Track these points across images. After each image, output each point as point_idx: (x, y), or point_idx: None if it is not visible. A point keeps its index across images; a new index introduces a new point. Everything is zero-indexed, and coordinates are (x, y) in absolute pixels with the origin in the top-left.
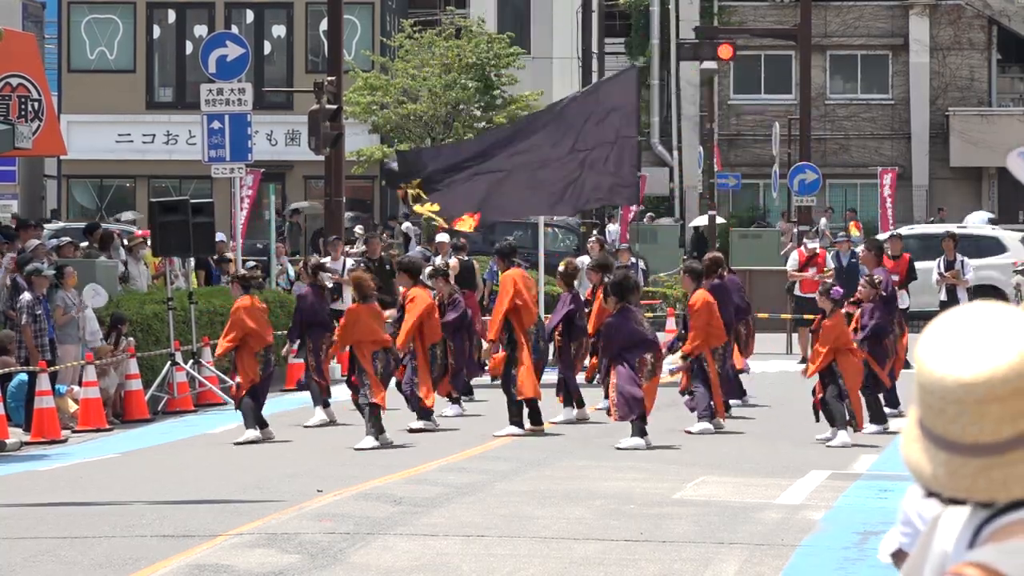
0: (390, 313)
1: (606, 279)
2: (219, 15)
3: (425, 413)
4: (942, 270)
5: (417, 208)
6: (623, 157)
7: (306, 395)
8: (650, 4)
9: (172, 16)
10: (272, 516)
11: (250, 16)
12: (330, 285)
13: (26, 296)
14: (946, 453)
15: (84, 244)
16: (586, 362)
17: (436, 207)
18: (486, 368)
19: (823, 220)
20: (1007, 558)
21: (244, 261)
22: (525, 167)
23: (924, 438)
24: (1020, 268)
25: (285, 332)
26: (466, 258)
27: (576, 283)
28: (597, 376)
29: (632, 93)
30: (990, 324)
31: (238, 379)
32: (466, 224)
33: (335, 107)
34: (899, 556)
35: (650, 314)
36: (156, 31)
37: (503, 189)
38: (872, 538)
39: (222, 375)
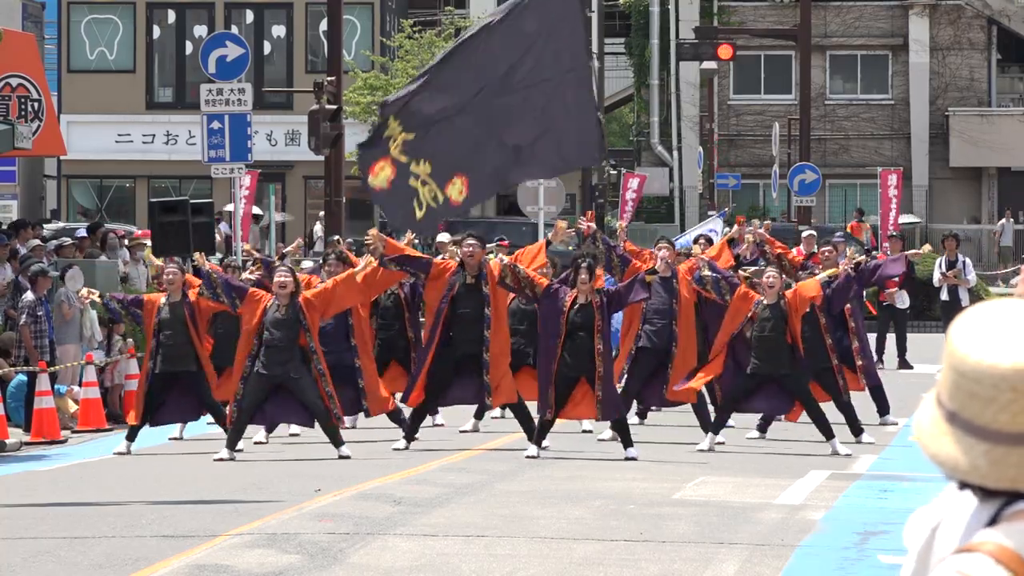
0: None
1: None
2: (219, 15)
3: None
4: (943, 270)
5: (414, 168)
6: (582, 99)
7: None
8: (650, 4)
9: (172, 16)
10: (272, 516)
11: (250, 16)
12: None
13: (28, 296)
14: (988, 444)
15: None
16: None
17: (428, 167)
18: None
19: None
20: (1018, 537)
21: (244, 262)
22: (488, 120)
23: (959, 430)
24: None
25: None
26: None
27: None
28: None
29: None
30: None
31: None
32: (456, 189)
33: (335, 107)
34: None
35: None
36: (156, 31)
37: (479, 154)
38: (872, 538)
39: None
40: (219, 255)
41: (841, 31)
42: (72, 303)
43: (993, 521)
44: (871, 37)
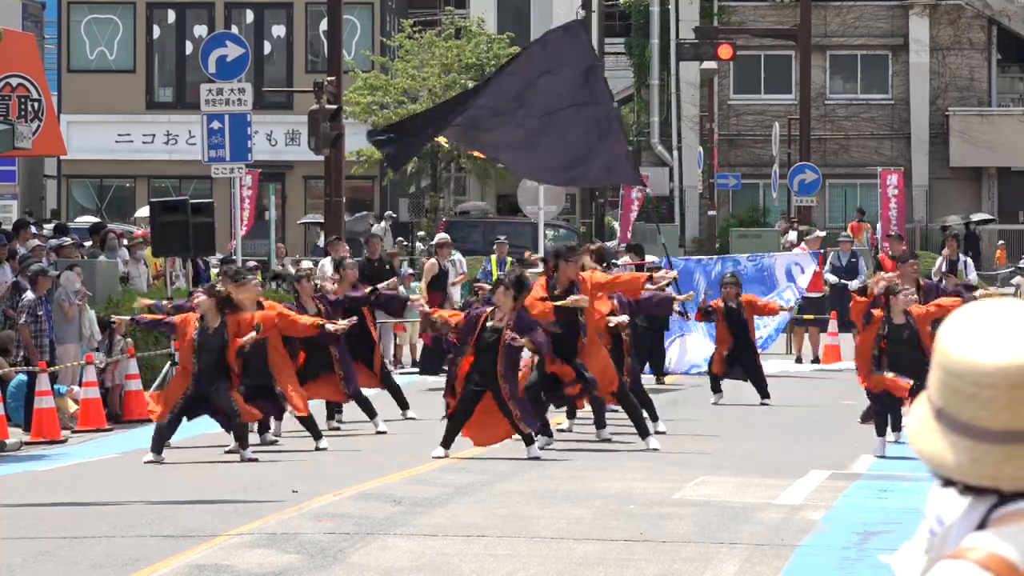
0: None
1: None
2: (219, 15)
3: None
4: (944, 269)
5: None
6: (608, 128)
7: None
8: (650, 4)
9: (172, 16)
10: (272, 516)
11: (250, 16)
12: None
13: (28, 296)
14: (971, 441)
15: (88, 243)
16: None
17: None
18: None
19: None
20: (1008, 541)
21: (244, 261)
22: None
23: (945, 427)
24: (1021, 268)
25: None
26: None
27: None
28: None
29: (586, 49)
30: (1021, 313)
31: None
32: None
33: (335, 107)
34: None
35: None
36: (156, 31)
37: (514, 145)
38: (872, 538)
39: None
40: (219, 256)
41: (841, 31)
42: (72, 301)
43: (983, 524)
44: (871, 37)
